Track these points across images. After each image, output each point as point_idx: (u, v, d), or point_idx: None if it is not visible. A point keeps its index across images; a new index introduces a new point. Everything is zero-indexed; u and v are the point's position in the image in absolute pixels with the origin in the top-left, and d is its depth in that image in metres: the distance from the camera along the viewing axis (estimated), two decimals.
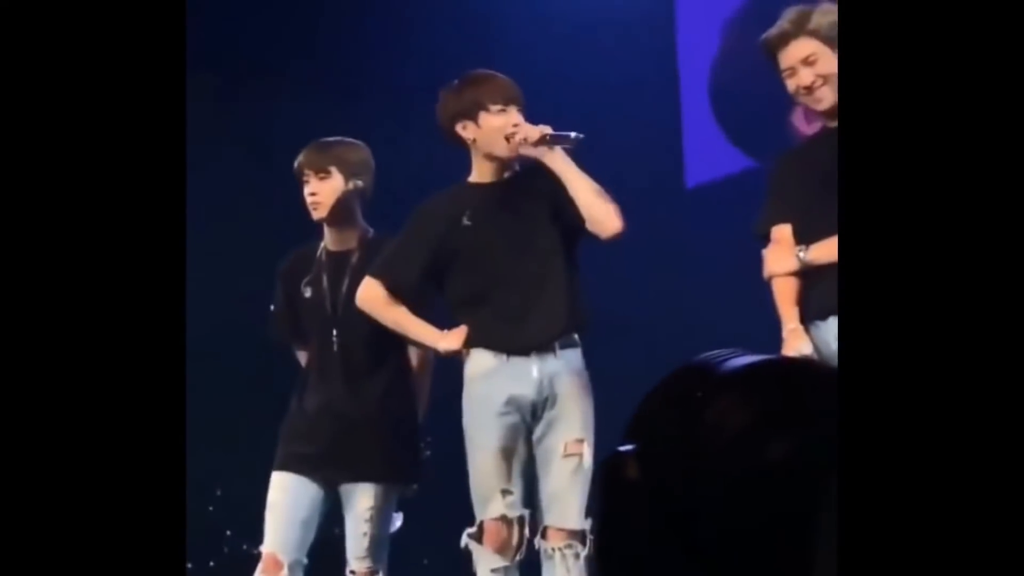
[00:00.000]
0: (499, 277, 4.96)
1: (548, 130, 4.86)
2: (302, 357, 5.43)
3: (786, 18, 4.58)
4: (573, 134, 4.85)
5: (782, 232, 4.58)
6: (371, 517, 5.19)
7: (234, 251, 6.93)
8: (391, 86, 7.24)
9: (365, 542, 5.21)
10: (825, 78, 4.49)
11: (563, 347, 4.94)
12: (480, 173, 5.04)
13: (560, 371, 4.92)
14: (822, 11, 4.52)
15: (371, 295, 5.08)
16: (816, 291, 4.47)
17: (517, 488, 4.92)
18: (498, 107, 4.94)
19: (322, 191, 5.28)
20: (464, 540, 4.96)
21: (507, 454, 4.92)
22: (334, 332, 5.28)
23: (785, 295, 4.56)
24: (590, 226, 4.86)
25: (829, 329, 4.43)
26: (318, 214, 5.31)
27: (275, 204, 6.25)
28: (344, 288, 5.28)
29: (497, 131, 4.94)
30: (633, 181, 7.03)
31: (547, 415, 4.92)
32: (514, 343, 4.92)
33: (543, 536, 4.92)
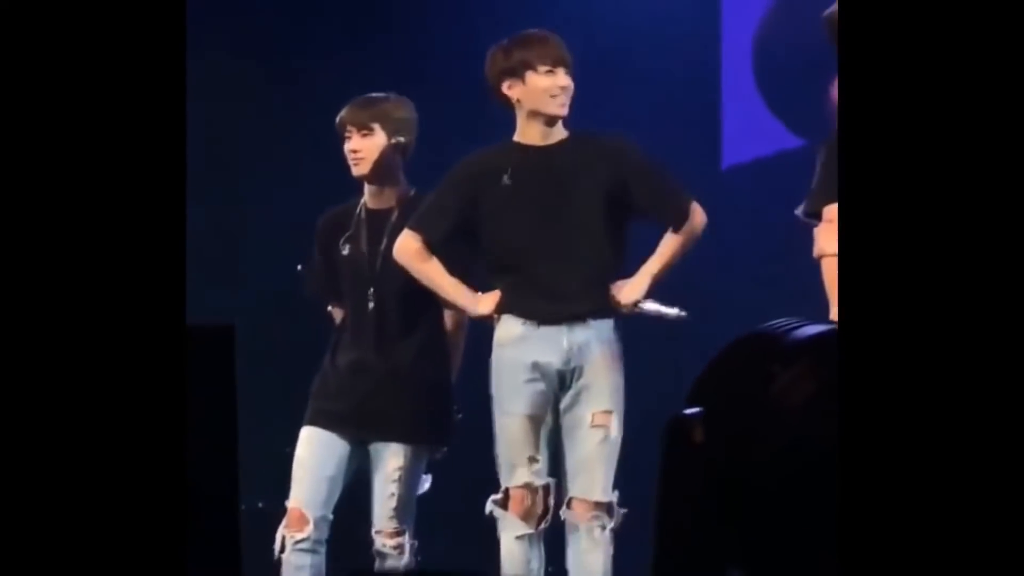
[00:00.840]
0: (535, 242, 4.93)
1: (647, 305, 4.92)
2: (336, 314, 5.41)
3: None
4: (675, 311, 4.92)
5: (834, 211, 4.55)
6: (399, 478, 5.19)
7: (273, 212, 6.94)
8: (433, 46, 7.23)
9: (393, 503, 5.20)
10: None
11: (595, 317, 4.94)
12: (525, 134, 5.01)
13: (590, 341, 4.90)
14: None
15: (407, 247, 5.06)
16: None
17: (543, 456, 4.92)
18: (546, 68, 4.91)
19: (364, 147, 5.25)
20: (489, 507, 4.97)
21: (534, 422, 4.91)
22: (371, 290, 5.25)
23: (834, 276, 4.54)
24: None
25: None
26: (359, 170, 5.27)
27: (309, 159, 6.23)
28: (383, 246, 5.25)
29: (544, 91, 4.92)
30: (669, 161, 7.05)
31: (575, 385, 4.90)
32: (546, 313, 4.91)
33: (568, 507, 4.92)
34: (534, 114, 4.95)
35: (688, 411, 1.45)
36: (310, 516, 5.22)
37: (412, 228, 5.06)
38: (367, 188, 5.33)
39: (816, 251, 4.60)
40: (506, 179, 4.97)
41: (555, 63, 4.92)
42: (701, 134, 7.29)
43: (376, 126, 5.25)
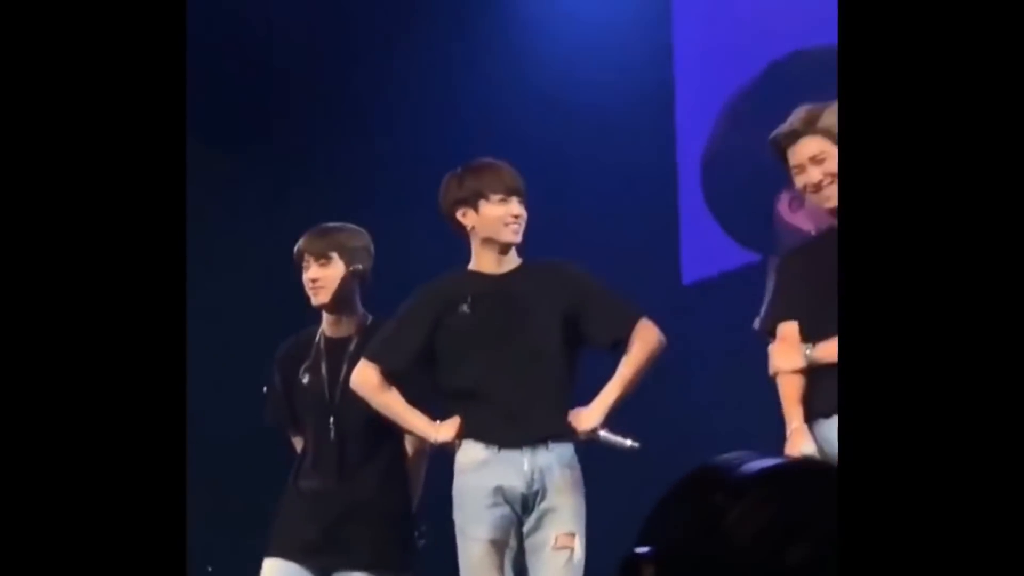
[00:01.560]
0: (494, 369, 4.96)
1: (603, 433, 4.90)
2: (297, 443, 5.40)
3: (796, 116, 4.62)
4: (629, 442, 4.91)
5: (788, 329, 4.59)
6: None
7: (234, 339, 6.91)
8: (392, 167, 7.26)
9: None
10: (833, 177, 4.51)
11: (555, 440, 4.93)
12: (480, 261, 5.06)
13: (552, 464, 4.91)
14: (832, 110, 4.55)
15: (365, 378, 5.06)
16: (820, 389, 4.47)
17: None
18: (499, 196, 4.96)
19: (323, 277, 5.27)
20: None
21: (498, 546, 4.90)
22: (331, 419, 5.25)
23: (790, 393, 4.56)
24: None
25: (832, 428, 4.43)
26: (319, 299, 5.29)
27: (276, 287, 6.22)
28: (342, 375, 5.25)
29: (497, 220, 4.96)
30: (629, 277, 7.06)
31: (538, 508, 4.91)
32: (508, 437, 4.92)
33: None
34: (488, 242, 4.98)
35: (640, 549, 1.44)
36: None
37: (370, 358, 5.07)
38: (326, 317, 5.34)
39: (771, 369, 4.63)
40: (464, 307, 5.00)
41: (508, 192, 4.96)
42: (662, 250, 7.32)
43: (334, 255, 5.27)
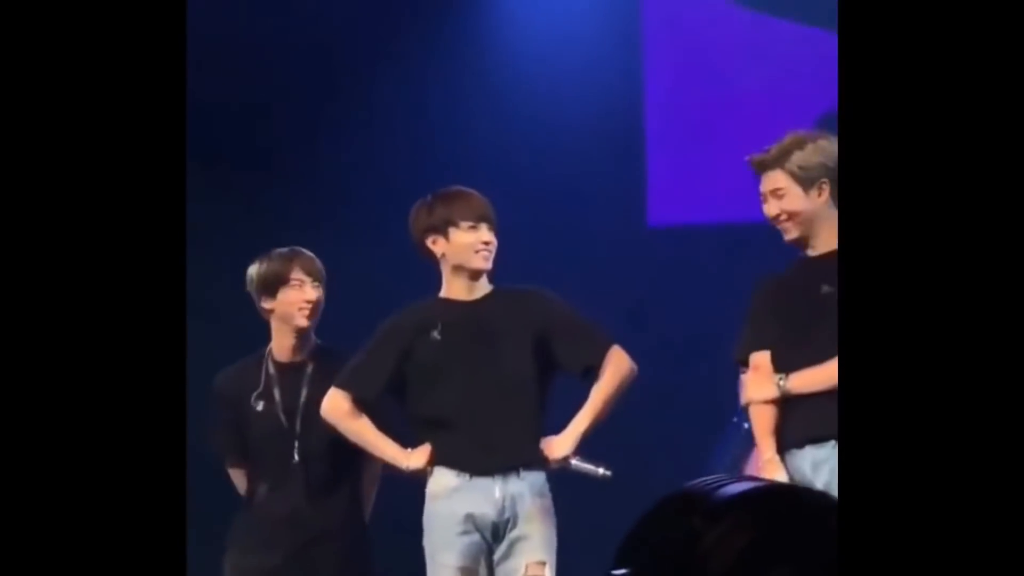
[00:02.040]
0: (466, 396, 4.96)
1: (574, 462, 4.90)
2: (236, 475, 5.33)
3: (777, 144, 4.63)
4: (601, 471, 4.90)
5: (761, 359, 4.61)
6: None
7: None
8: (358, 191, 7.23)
9: None
10: (790, 215, 4.55)
11: (527, 468, 4.92)
12: (450, 288, 5.04)
13: (523, 492, 4.90)
14: (809, 149, 4.56)
15: (335, 407, 5.05)
16: (793, 419, 4.52)
17: None
18: (468, 224, 4.97)
19: (317, 300, 5.21)
20: None
21: (468, 573, 4.92)
22: (296, 444, 5.21)
23: (762, 424, 4.59)
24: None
25: (805, 457, 4.49)
26: (308, 322, 5.22)
27: None
28: (303, 399, 5.22)
29: (467, 247, 4.95)
30: (595, 219, 7.06)
31: (509, 536, 4.92)
32: (479, 465, 4.94)
33: None
34: (458, 269, 4.99)
35: (617, 572, 1.45)
36: None
37: (340, 386, 5.05)
38: (283, 343, 5.27)
39: (744, 399, 4.68)
40: (435, 334, 4.99)
41: (478, 219, 4.96)
42: (629, 192, 7.32)
43: (321, 279, 5.25)
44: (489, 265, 4.98)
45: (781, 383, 4.52)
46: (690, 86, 7.27)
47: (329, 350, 5.25)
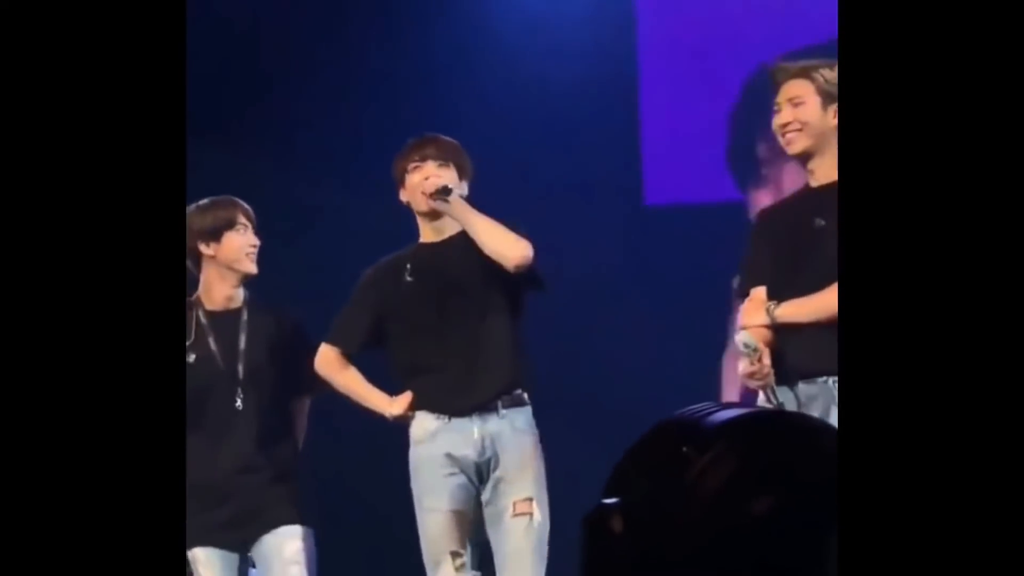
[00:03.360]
0: (438, 336, 4.98)
1: (430, 188, 4.94)
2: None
3: (803, 61, 4.64)
4: (450, 187, 4.93)
5: (758, 292, 4.63)
6: (300, 560, 5.14)
7: None
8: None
9: None
10: (803, 124, 4.53)
11: (507, 406, 4.92)
12: (424, 233, 5.09)
13: (503, 431, 4.91)
14: (834, 65, 4.55)
15: (326, 361, 5.14)
16: (784, 356, 4.51)
17: (467, 550, 4.92)
18: (414, 164, 5.00)
19: (258, 244, 5.25)
20: None
21: (455, 516, 4.92)
22: (239, 391, 5.21)
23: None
24: (498, 261, 4.89)
25: (798, 393, 4.49)
26: (255, 268, 5.25)
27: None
28: (243, 346, 5.23)
29: (416, 187, 5.01)
30: (592, 197, 7.06)
31: (492, 476, 4.91)
32: (453, 404, 4.93)
33: None
34: (418, 213, 5.02)
35: (607, 501, 1.44)
36: None
37: (329, 342, 5.14)
38: (218, 290, 5.27)
39: (737, 326, 4.69)
40: (407, 277, 5.03)
41: (422, 158, 5.02)
42: (625, 171, 7.31)
43: (249, 223, 5.28)
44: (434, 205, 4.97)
45: (771, 310, 4.53)
46: (684, 61, 7.26)
47: (257, 300, 5.28)
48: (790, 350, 4.47)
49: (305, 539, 5.17)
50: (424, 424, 4.97)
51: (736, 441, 1.43)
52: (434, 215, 5.01)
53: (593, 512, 1.44)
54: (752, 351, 4.44)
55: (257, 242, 5.23)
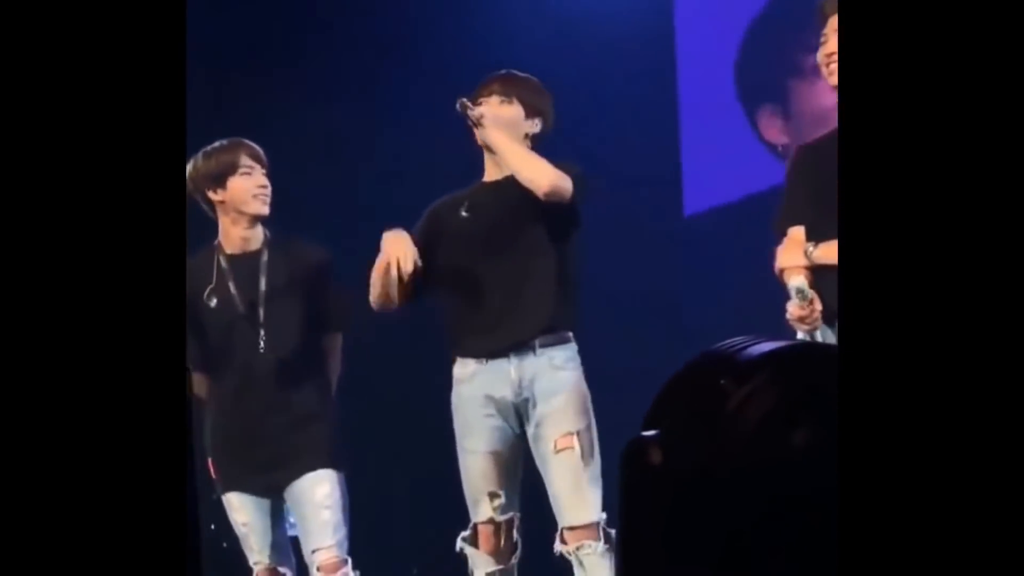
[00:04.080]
0: (481, 275, 4.96)
1: (472, 118, 4.93)
2: (197, 381, 5.24)
3: None
4: (478, 112, 4.91)
5: (795, 232, 4.60)
6: (331, 504, 5.14)
7: None
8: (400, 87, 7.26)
9: (329, 530, 5.13)
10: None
11: (545, 345, 4.90)
12: (488, 171, 5.09)
13: (540, 370, 4.88)
14: None
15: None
16: (829, 295, 4.48)
17: (505, 490, 4.91)
18: (479, 100, 5.01)
19: (268, 185, 5.24)
20: (459, 544, 4.96)
21: (494, 457, 4.92)
22: (261, 333, 5.20)
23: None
24: (530, 189, 4.86)
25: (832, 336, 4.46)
26: (266, 210, 5.24)
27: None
28: (263, 288, 5.21)
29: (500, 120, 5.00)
30: (631, 209, 7.06)
31: (533, 416, 4.90)
32: (490, 345, 4.92)
33: (560, 540, 4.89)
34: (487, 149, 5.03)
35: (646, 433, 1.45)
36: (284, 570, 5.21)
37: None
38: (234, 232, 5.25)
39: (776, 267, 4.64)
40: (463, 212, 5.01)
41: (489, 93, 5.02)
42: (664, 182, 7.32)
43: (264, 168, 5.26)
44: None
45: (809, 251, 4.51)
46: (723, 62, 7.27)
47: (281, 239, 5.26)
48: (833, 291, 4.44)
49: (336, 483, 5.16)
50: (465, 365, 4.96)
51: (773, 372, 1.44)
52: (492, 152, 5.00)
53: (631, 444, 1.45)
54: (805, 297, 4.43)
55: (265, 183, 5.21)
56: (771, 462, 1.41)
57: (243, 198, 5.17)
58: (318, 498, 5.11)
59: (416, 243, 4.98)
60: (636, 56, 7.28)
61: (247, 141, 5.28)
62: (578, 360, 4.92)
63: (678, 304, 6.61)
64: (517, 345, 4.88)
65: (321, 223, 5.83)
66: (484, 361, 4.93)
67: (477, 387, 4.93)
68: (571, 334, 4.95)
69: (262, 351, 5.18)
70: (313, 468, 5.15)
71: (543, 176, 4.83)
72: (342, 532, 5.14)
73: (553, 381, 4.88)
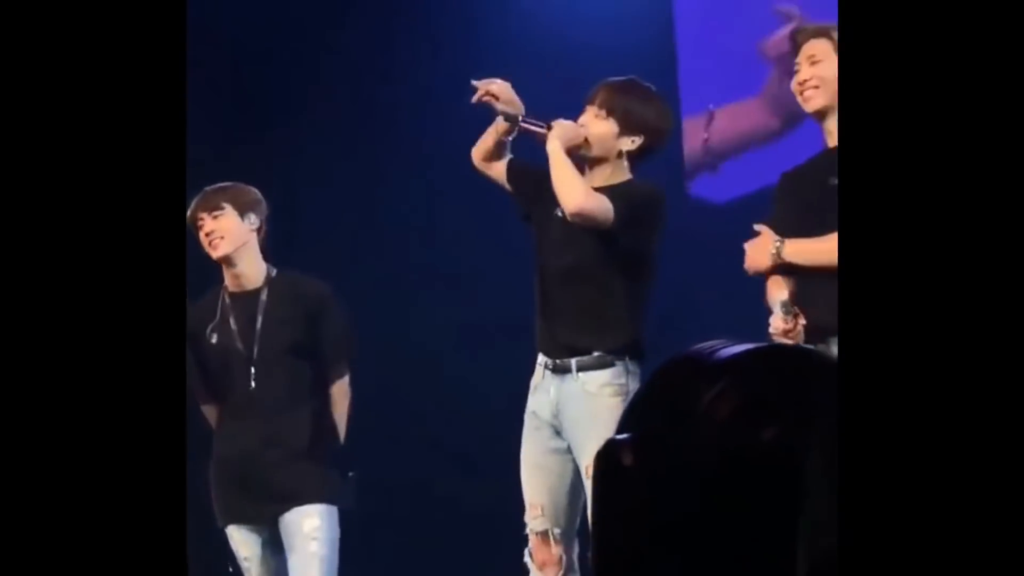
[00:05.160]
0: (555, 282, 4.96)
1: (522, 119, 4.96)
2: (208, 412, 5.42)
3: (823, 23, 4.71)
4: (544, 128, 4.92)
5: (763, 229, 4.69)
6: (319, 537, 5.22)
7: None
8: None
9: (315, 563, 5.22)
10: (820, 81, 4.58)
11: (582, 368, 4.87)
12: (588, 178, 5.03)
13: (573, 394, 4.86)
14: None
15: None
16: (820, 311, 4.53)
17: (546, 505, 4.91)
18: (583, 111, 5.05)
19: (218, 227, 5.31)
20: (526, 556, 4.98)
21: (536, 470, 4.92)
22: (252, 371, 5.28)
23: (769, 285, 4.66)
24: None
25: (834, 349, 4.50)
26: (219, 252, 5.33)
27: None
28: (258, 327, 5.31)
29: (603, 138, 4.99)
30: None
31: (567, 438, 4.91)
32: (544, 361, 4.93)
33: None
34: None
35: (618, 436, 1.47)
36: None
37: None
38: (227, 272, 5.38)
39: (746, 264, 4.68)
40: (558, 211, 4.96)
41: (589, 102, 5.02)
42: (667, 161, 7.33)
43: (226, 206, 5.33)
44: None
45: (777, 246, 4.55)
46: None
47: (284, 276, 5.36)
48: (822, 307, 4.48)
49: (326, 517, 5.24)
50: (535, 375, 4.96)
51: (743, 374, 1.46)
52: (593, 161, 4.96)
53: (604, 447, 1.47)
54: (789, 311, 4.47)
55: (212, 228, 5.30)
56: (741, 459, 1.42)
57: (205, 241, 5.26)
58: (306, 530, 5.19)
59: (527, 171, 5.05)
60: (636, 36, 7.30)
61: (233, 185, 5.35)
62: (621, 384, 4.83)
63: (679, 307, 6.62)
64: (558, 366, 4.89)
65: (328, 255, 5.85)
66: (542, 374, 4.93)
67: (532, 401, 4.95)
68: (620, 356, 4.87)
69: (253, 388, 5.23)
70: (305, 502, 5.22)
71: (572, 197, 4.80)
72: (329, 566, 5.22)
73: (582, 407, 4.84)
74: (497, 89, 4.91)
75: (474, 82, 4.94)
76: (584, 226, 4.81)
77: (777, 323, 4.50)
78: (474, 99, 4.92)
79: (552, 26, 7.39)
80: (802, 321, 4.45)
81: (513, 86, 4.99)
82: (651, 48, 7.26)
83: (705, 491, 1.42)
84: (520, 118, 4.94)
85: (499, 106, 4.92)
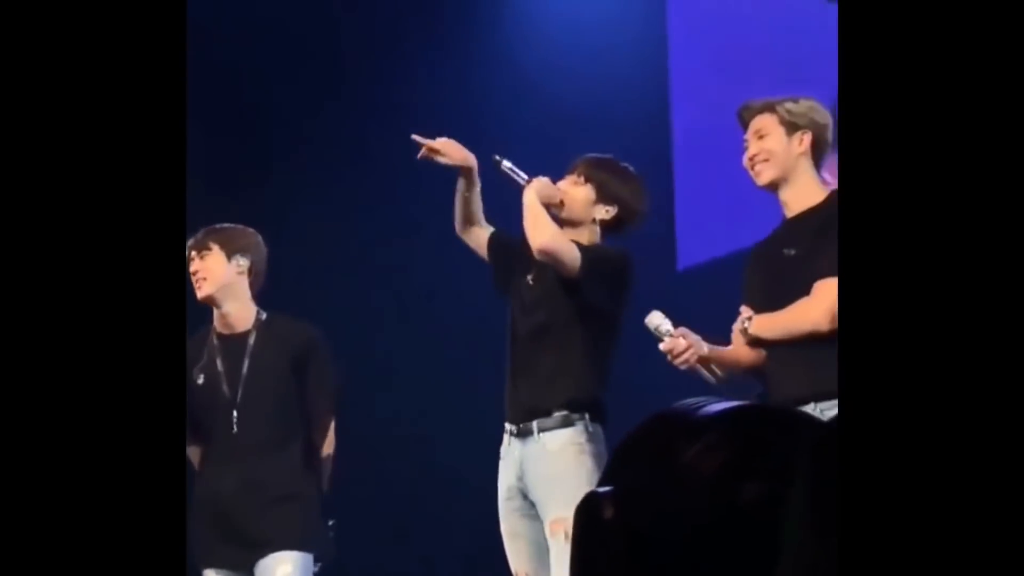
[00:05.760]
0: (514, 347, 4.98)
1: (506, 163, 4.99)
2: (192, 453, 5.39)
3: (767, 98, 4.75)
4: (524, 179, 4.96)
5: (744, 308, 4.73)
6: None
7: None
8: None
9: None
10: (768, 154, 4.63)
11: (543, 429, 4.87)
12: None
13: (535, 455, 4.87)
14: (805, 102, 4.70)
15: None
16: (781, 380, 4.57)
17: (532, 570, 4.90)
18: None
19: (203, 268, 5.30)
20: None
21: (515, 539, 4.91)
22: (234, 413, 5.28)
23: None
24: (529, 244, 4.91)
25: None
26: (202, 292, 5.31)
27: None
28: (244, 370, 5.31)
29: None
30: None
31: (531, 499, 4.91)
32: (509, 427, 4.94)
33: None
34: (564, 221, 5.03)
35: (599, 489, 1.48)
36: None
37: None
38: (216, 313, 5.37)
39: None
40: (529, 279, 5.01)
41: (569, 171, 5.06)
42: (658, 236, 7.35)
43: (214, 247, 5.32)
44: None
45: (746, 324, 4.61)
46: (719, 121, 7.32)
47: (273, 320, 5.34)
48: (782, 376, 4.54)
49: (299, 565, 5.22)
50: (503, 444, 4.97)
51: (725, 430, 1.47)
52: (567, 223, 4.99)
53: (584, 499, 1.48)
54: (657, 329, 4.55)
55: (195, 268, 5.29)
56: (722, 516, 1.44)
57: (192, 280, 5.27)
58: None
59: (504, 244, 5.06)
60: (629, 108, 7.33)
61: (236, 227, 5.41)
62: (584, 440, 4.83)
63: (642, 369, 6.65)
64: (520, 431, 4.89)
65: (321, 298, 5.85)
66: (506, 440, 4.94)
67: (500, 468, 4.96)
68: (580, 415, 4.87)
69: (235, 432, 5.24)
70: (280, 548, 5.21)
71: (540, 234, 4.83)
72: None
73: (543, 466, 4.84)
74: (440, 145, 4.95)
75: (416, 137, 4.98)
76: (551, 265, 4.84)
77: (662, 347, 4.57)
78: (419, 156, 4.97)
79: (552, 92, 7.43)
80: (681, 340, 4.52)
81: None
82: (644, 83, 7.31)
83: (687, 545, 1.43)
84: (502, 161, 4.97)
85: (442, 160, 4.96)
